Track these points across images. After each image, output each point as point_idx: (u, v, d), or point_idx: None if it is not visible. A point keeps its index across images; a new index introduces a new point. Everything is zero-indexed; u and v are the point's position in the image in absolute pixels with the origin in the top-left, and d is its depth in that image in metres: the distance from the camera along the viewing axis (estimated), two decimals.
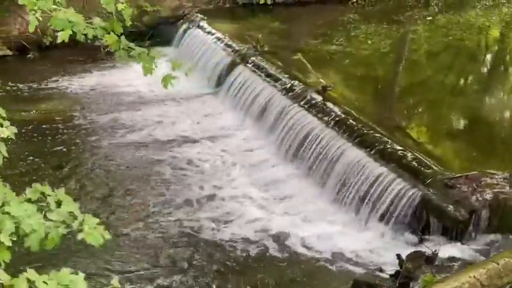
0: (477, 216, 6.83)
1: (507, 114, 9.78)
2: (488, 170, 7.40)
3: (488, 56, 13.86)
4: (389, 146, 8.11)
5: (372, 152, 8.11)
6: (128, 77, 12.26)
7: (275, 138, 9.69)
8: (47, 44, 11.62)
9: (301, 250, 7.31)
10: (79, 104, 11.30)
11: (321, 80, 9.87)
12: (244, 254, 7.19)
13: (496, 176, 7.38)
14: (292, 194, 8.48)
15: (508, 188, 7.11)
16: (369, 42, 13.53)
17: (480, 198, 6.92)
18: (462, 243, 6.79)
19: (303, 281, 6.87)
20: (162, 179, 8.78)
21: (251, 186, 8.62)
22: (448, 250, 6.67)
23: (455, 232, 6.93)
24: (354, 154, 8.27)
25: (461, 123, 9.60)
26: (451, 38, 13.89)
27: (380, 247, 7.28)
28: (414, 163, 7.68)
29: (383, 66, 12.60)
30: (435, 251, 6.58)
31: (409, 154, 7.85)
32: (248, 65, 11.43)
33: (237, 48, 12.09)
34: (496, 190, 7.00)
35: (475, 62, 12.89)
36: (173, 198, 8.34)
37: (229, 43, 12.39)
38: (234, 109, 10.99)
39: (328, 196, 8.31)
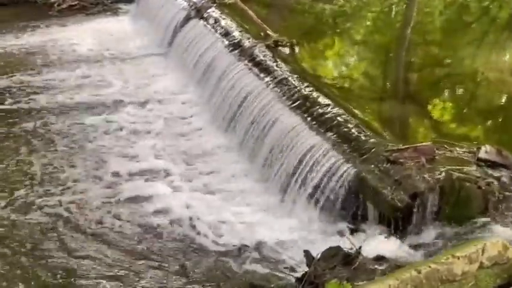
0: (422, 202, 5.10)
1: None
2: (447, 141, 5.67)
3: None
4: (331, 110, 6.42)
5: (309, 119, 6.46)
6: (75, 36, 10.88)
7: (213, 103, 8.12)
8: None
9: (204, 239, 5.75)
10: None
11: (269, 32, 8.18)
12: (135, 238, 5.78)
13: (458, 149, 5.59)
14: (216, 170, 6.88)
15: (471, 165, 5.34)
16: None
17: (428, 178, 5.14)
18: (399, 238, 5.10)
19: (195, 279, 5.33)
20: (70, 146, 7.38)
21: (169, 160, 7.06)
22: (378, 246, 4.98)
23: (393, 222, 5.24)
24: (289, 121, 6.61)
25: (435, 92, 7.66)
26: None
27: (303, 238, 5.66)
28: (355, 132, 5.98)
29: (386, 30, 10.71)
30: (359, 247, 4.95)
31: (353, 121, 6.13)
32: (201, 20, 9.82)
33: (194, 0, 10.46)
34: (451, 167, 5.24)
35: (494, 29, 10.74)
36: (76, 166, 6.97)
37: None
38: (179, 70, 9.38)
39: (256, 172, 6.72)
